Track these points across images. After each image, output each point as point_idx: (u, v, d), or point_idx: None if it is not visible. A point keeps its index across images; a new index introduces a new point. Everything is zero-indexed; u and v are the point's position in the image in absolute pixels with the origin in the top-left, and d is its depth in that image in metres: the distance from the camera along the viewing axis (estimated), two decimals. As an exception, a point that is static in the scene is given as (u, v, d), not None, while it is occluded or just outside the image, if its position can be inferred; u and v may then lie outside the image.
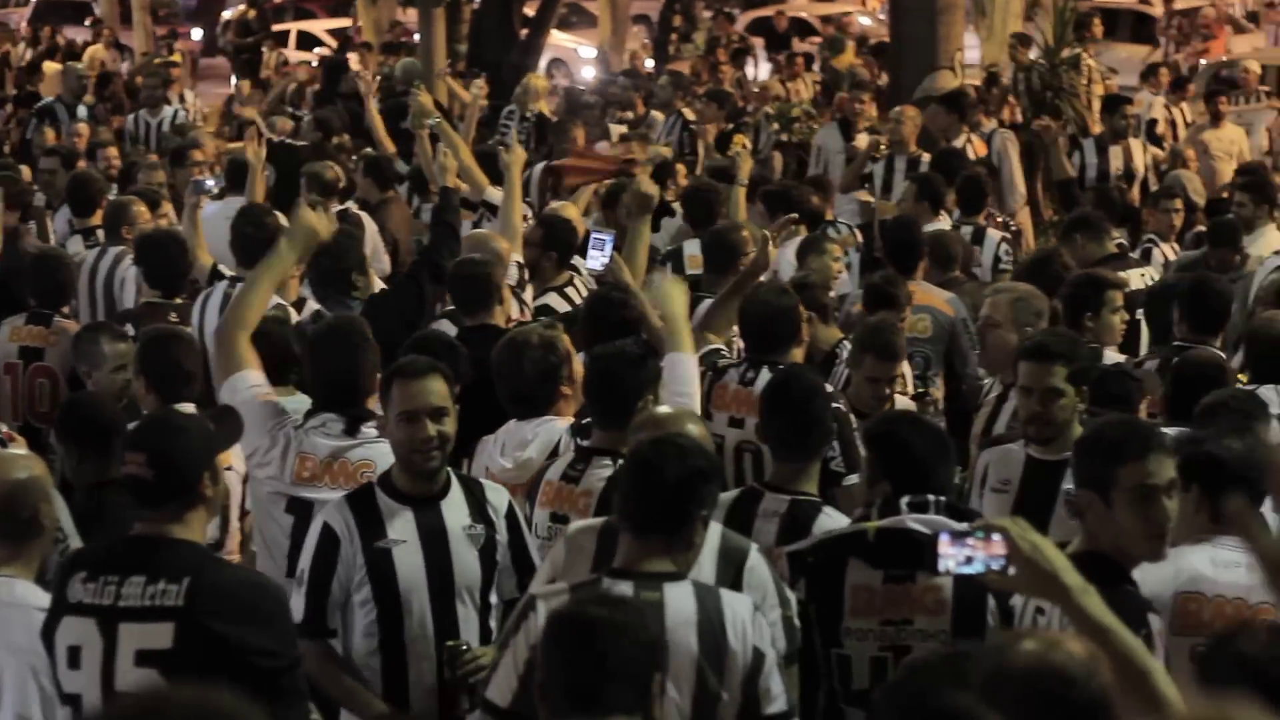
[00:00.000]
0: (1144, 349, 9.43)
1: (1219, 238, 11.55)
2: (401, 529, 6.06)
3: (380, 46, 25.59)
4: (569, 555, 5.69)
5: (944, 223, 12.17)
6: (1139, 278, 10.58)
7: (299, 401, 7.38)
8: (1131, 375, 7.73)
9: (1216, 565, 5.59)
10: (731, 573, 5.58)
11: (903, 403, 8.49)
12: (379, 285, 9.81)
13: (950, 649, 5.43)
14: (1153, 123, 19.95)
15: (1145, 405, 7.74)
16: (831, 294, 9.87)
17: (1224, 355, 8.43)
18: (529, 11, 25.67)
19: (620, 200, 11.60)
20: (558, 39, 32.53)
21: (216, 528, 6.97)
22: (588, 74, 30.03)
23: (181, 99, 20.10)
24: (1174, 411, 7.31)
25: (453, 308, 8.91)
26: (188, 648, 5.00)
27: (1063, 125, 15.70)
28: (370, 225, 12.16)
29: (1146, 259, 11.72)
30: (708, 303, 8.71)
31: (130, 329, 8.91)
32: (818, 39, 31.86)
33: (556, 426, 6.95)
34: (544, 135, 16.77)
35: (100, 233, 11.34)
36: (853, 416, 7.69)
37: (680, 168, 14.39)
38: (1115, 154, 15.74)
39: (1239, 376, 8.07)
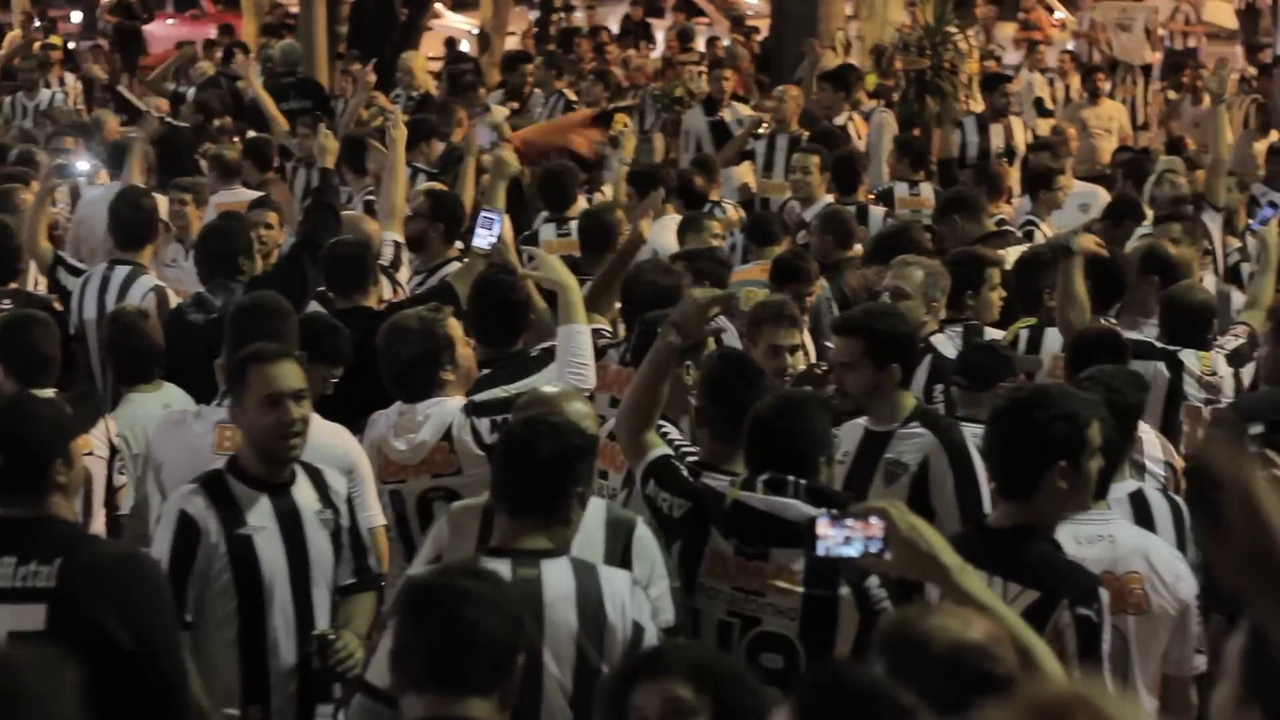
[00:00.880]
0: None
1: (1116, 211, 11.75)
2: (259, 516, 5.98)
3: (260, 28, 25.37)
4: (452, 535, 5.68)
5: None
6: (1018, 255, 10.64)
7: (169, 395, 7.41)
8: (1000, 351, 7.78)
9: (1080, 542, 5.62)
10: (620, 543, 5.60)
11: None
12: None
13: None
14: (1040, 100, 20.26)
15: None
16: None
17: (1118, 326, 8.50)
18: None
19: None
20: (451, 21, 32.38)
21: (79, 513, 6.88)
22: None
23: (61, 82, 19.86)
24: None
25: (323, 289, 8.85)
26: (60, 629, 4.93)
27: (938, 103, 15.85)
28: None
29: (1029, 240, 11.82)
30: (588, 285, 8.67)
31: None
32: (704, 20, 31.93)
33: (448, 408, 6.88)
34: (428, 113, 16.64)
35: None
36: None
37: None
38: (996, 131, 15.91)
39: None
